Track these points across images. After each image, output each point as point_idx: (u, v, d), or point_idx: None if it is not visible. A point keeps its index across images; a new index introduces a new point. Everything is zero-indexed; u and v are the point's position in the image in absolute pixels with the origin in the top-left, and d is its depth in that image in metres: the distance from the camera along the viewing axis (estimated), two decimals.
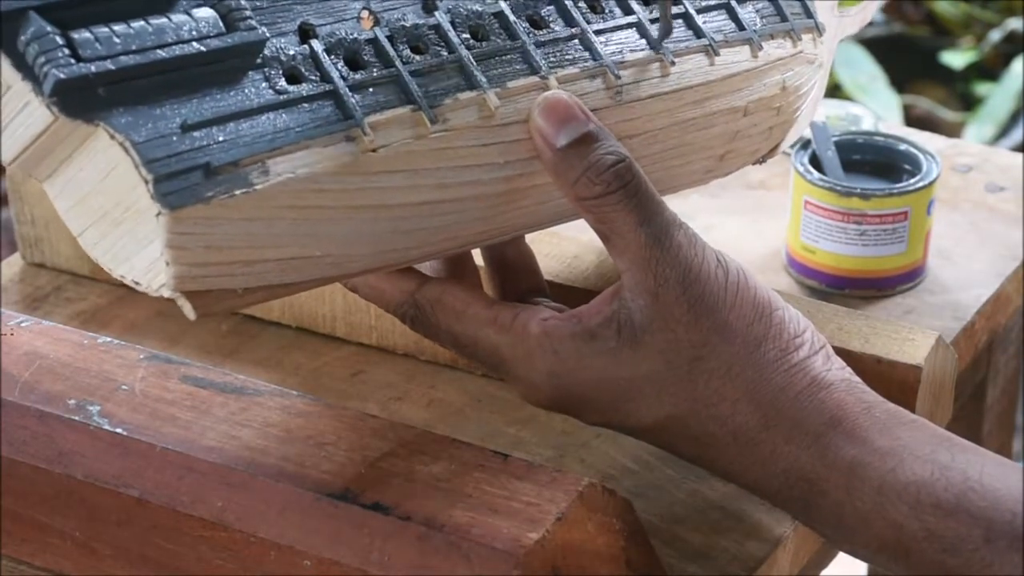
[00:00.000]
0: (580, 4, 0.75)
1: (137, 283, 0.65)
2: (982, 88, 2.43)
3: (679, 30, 0.77)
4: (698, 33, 0.77)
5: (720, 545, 0.77)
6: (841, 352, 0.78)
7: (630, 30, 0.75)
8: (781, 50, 0.80)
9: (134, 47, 0.63)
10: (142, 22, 0.64)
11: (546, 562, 0.64)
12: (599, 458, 0.82)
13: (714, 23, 0.78)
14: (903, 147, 1.02)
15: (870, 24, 2.52)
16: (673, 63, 0.75)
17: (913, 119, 2.37)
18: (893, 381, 0.79)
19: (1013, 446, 1.19)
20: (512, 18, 0.73)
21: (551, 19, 0.74)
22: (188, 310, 0.64)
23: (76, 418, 0.71)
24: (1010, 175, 1.11)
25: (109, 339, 0.77)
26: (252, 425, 0.71)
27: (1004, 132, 2.33)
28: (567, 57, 0.73)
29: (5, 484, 0.72)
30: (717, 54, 0.77)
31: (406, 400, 0.87)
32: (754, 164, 0.85)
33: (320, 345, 0.92)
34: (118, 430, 0.71)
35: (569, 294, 0.81)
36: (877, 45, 2.48)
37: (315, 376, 0.90)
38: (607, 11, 0.76)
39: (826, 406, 0.70)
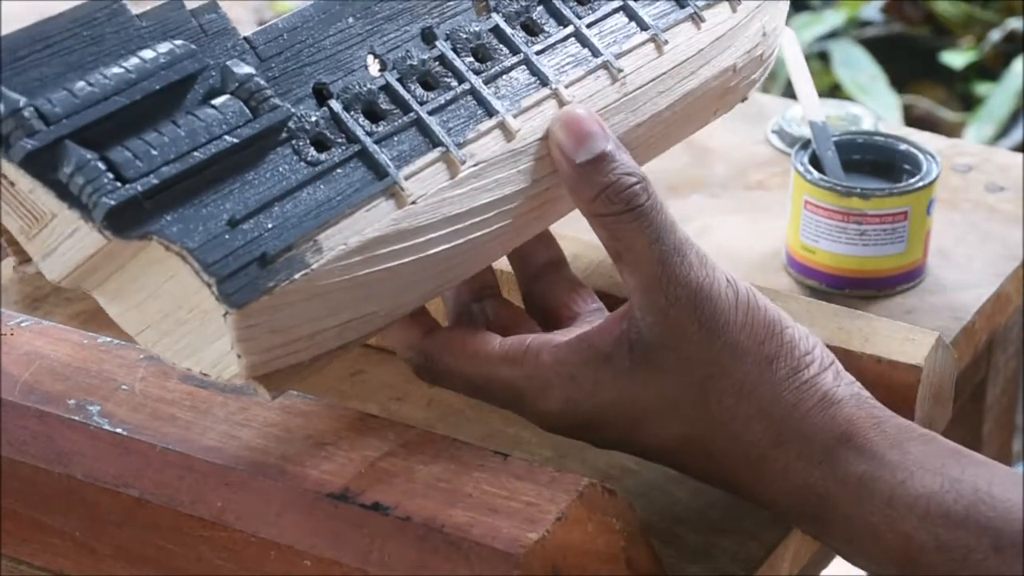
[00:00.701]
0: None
1: (206, 374, 0.65)
2: (982, 88, 2.43)
3: (663, 4, 0.77)
4: (680, 3, 0.78)
5: (720, 545, 0.77)
6: (841, 352, 0.78)
7: (618, 15, 0.76)
8: None
9: (172, 155, 0.63)
10: (172, 126, 0.64)
11: (546, 562, 0.64)
12: (599, 458, 0.82)
13: None
14: (903, 147, 1.01)
15: (870, 24, 2.53)
16: (666, 42, 0.76)
17: (913, 119, 2.37)
18: (893, 381, 0.79)
19: (1013, 446, 1.19)
20: (508, 31, 0.73)
21: (544, 22, 0.75)
22: (263, 393, 0.66)
23: (76, 418, 0.71)
24: (1010, 175, 1.11)
25: (109, 339, 0.77)
26: (252, 425, 0.71)
27: (1004, 132, 2.33)
28: (568, 60, 0.74)
29: (5, 484, 0.72)
30: (703, 20, 0.78)
31: (406, 400, 0.87)
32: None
33: None
34: (118, 430, 0.71)
35: None
36: (877, 45, 2.48)
37: (315, 376, 0.90)
38: (593, 0, 0.76)
39: (836, 422, 0.70)
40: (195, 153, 0.64)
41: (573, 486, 0.67)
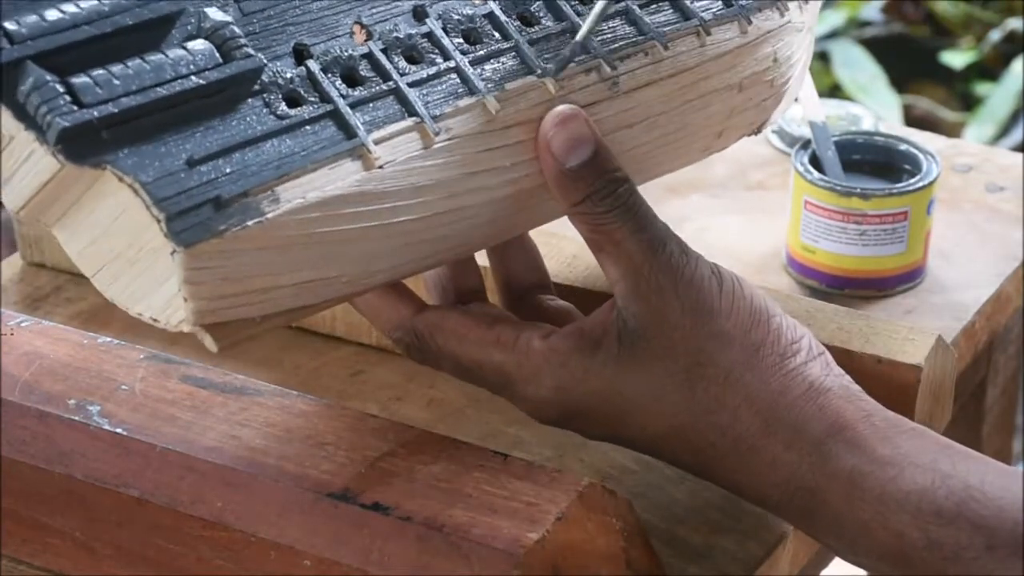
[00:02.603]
0: None
1: (155, 320, 0.65)
2: (982, 88, 2.43)
3: (668, 13, 0.77)
4: (686, 15, 0.77)
5: (720, 545, 0.77)
6: (841, 352, 0.78)
7: (619, 19, 0.76)
8: (770, 22, 0.81)
9: (134, 87, 0.63)
10: (139, 61, 0.64)
11: (546, 562, 0.64)
12: (599, 458, 0.82)
13: (702, 2, 0.78)
14: (903, 147, 1.02)
15: (870, 24, 2.53)
16: (666, 48, 0.76)
17: (913, 119, 2.37)
18: (893, 381, 0.79)
19: (1013, 447, 1.19)
20: (503, 18, 0.73)
21: (541, 15, 0.74)
22: (209, 343, 0.65)
23: (76, 418, 0.71)
24: (1010, 175, 1.11)
25: (109, 339, 0.77)
26: (252, 425, 0.71)
27: (1004, 132, 2.33)
28: (561, 53, 0.73)
29: (5, 484, 0.72)
30: (708, 34, 0.78)
31: (406, 400, 0.87)
32: (750, 135, 0.85)
33: (320, 345, 0.92)
34: (118, 430, 0.71)
35: (569, 294, 0.81)
36: (877, 45, 2.48)
37: (315, 376, 0.90)
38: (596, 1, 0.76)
39: (825, 413, 0.70)
40: (158, 89, 0.63)
41: (573, 486, 0.67)
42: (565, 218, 0.76)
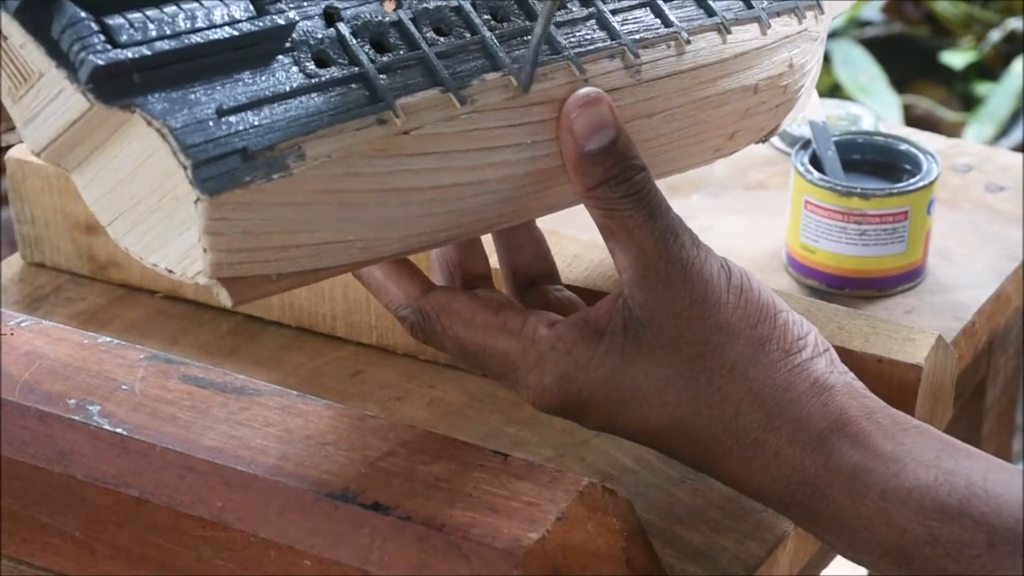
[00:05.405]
0: None
1: (171, 271, 0.65)
2: (982, 88, 2.43)
3: (691, 9, 0.77)
4: (709, 12, 0.78)
5: (720, 545, 0.77)
6: (841, 352, 0.78)
7: (644, 9, 0.76)
8: (788, 28, 0.81)
9: (168, 32, 0.63)
10: (174, 7, 0.64)
11: (546, 562, 0.64)
12: (599, 458, 0.82)
13: (723, 2, 0.79)
14: (903, 147, 1.02)
15: (870, 24, 2.53)
16: (688, 42, 0.76)
17: (913, 119, 2.37)
18: (893, 381, 0.79)
19: (1013, 446, 1.19)
20: None
21: (567, 0, 0.75)
22: (224, 297, 0.65)
23: (76, 418, 0.71)
24: (1010, 175, 1.11)
25: (109, 339, 0.77)
26: (252, 425, 0.71)
27: (1004, 132, 2.33)
28: (586, 37, 0.74)
29: (5, 484, 0.72)
30: (729, 32, 0.78)
31: (406, 400, 0.87)
32: (758, 143, 0.85)
33: (320, 345, 0.92)
34: (118, 430, 0.71)
35: None
36: (877, 45, 2.48)
37: (315, 376, 0.90)
38: None
39: (829, 409, 0.70)
40: (192, 36, 0.64)
41: (573, 486, 0.67)
42: (566, 216, 0.76)
